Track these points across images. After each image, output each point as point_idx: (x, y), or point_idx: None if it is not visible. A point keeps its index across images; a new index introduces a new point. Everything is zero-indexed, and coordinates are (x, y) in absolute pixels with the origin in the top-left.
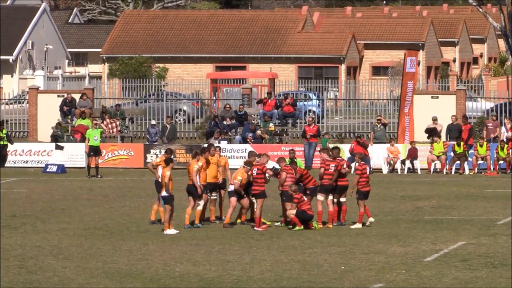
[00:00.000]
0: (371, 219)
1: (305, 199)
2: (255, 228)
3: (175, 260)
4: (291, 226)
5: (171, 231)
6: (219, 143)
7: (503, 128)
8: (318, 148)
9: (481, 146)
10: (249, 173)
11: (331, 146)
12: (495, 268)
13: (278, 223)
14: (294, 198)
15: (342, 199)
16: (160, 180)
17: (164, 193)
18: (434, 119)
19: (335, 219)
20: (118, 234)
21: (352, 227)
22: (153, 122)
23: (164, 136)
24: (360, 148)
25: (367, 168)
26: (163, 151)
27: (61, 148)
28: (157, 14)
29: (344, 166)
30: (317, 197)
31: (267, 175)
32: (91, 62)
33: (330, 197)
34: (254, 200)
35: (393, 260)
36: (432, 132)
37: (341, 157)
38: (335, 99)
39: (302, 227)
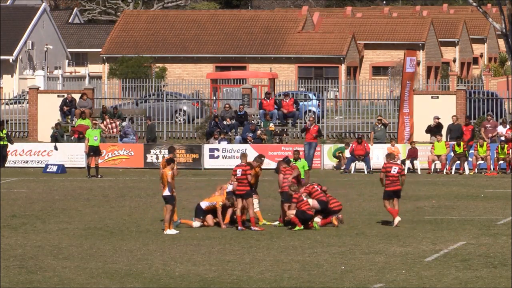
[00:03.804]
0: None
1: (304, 199)
2: (251, 227)
3: (175, 260)
4: (290, 226)
5: (171, 231)
6: (219, 143)
7: (500, 128)
8: (318, 148)
9: (481, 146)
10: (232, 173)
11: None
12: (495, 268)
13: (277, 222)
14: (293, 198)
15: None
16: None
17: (165, 193)
18: (436, 118)
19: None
20: (118, 234)
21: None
22: (124, 123)
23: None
24: (360, 149)
25: (393, 167)
26: (163, 151)
27: (55, 148)
28: (157, 14)
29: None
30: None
31: (249, 177)
32: (91, 62)
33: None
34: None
35: (393, 260)
36: (434, 129)
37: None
38: (335, 99)
39: (302, 227)
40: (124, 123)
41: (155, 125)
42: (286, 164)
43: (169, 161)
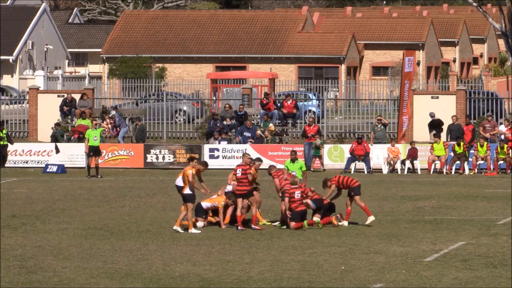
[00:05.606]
0: (345, 222)
1: (296, 197)
2: (252, 226)
3: (175, 260)
4: (280, 224)
5: (195, 230)
6: (219, 143)
7: (501, 127)
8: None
9: (481, 146)
10: (233, 173)
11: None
12: (495, 268)
13: (277, 223)
14: (286, 193)
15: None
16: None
17: (186, 191)
18: (431, 115)
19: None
20: (118, 234)
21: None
22: (113, 112)
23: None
24: (360, 149)
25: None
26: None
27: (57, 150)
28: (157, 14)
29: (309, 193)
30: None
31: (249, 177)
32: (91, 62)
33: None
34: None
35: (393, 260)
36: (435, 126)
37: (302, 183)
38: (335, 99)
39: (284, 226)
40: (112, 112)
41: (145, 126)
42: (274, 168)
43: (190, 159)
